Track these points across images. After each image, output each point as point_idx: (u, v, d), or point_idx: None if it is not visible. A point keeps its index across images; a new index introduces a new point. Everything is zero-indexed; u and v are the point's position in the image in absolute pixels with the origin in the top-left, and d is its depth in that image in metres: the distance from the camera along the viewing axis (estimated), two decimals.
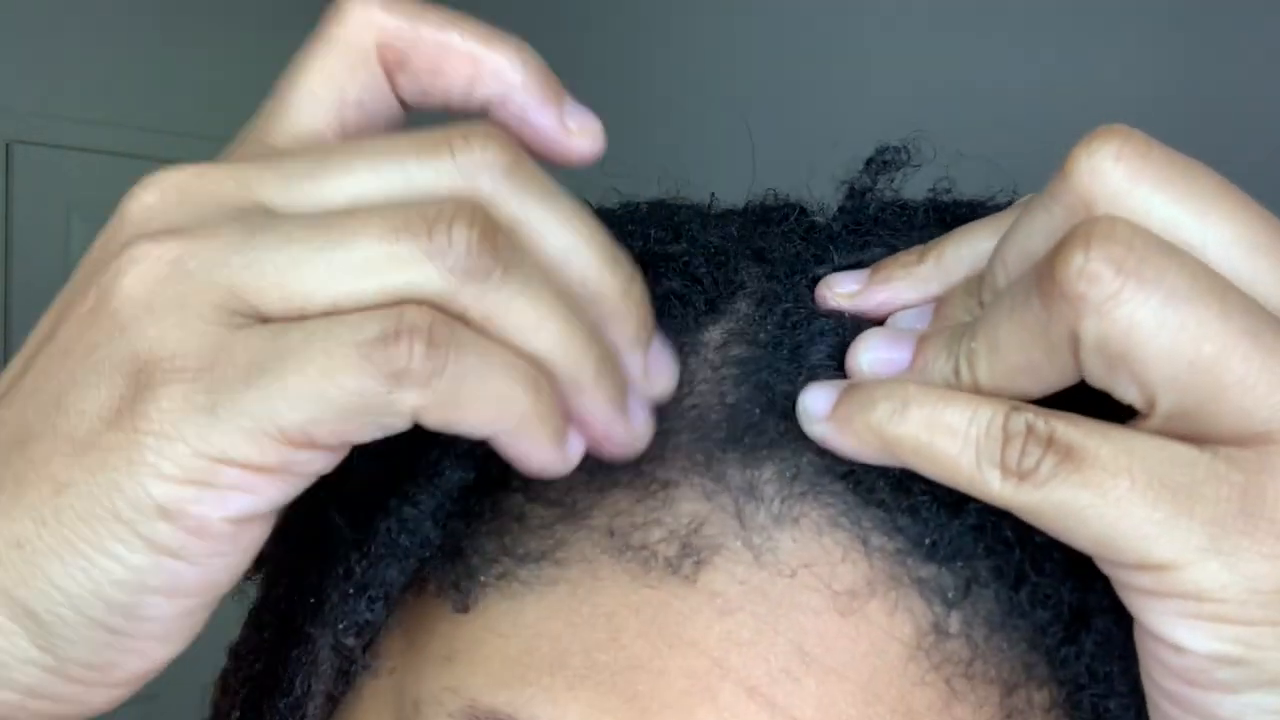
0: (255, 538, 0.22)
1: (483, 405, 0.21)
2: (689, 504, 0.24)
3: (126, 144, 2.68)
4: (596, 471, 0.24)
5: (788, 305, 0.26)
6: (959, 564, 0.23)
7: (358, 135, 0.25)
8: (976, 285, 0.24)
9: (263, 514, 0.22)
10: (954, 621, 0.23)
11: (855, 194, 0.30)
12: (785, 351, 0.25)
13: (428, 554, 0.24)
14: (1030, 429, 0.21)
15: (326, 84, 0.25)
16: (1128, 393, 0.21)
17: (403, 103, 0.26)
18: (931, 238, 0.27)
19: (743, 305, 0.27)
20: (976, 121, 1.79)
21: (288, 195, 0.23)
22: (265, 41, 2.92)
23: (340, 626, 0.24)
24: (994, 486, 0.21)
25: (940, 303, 0.25)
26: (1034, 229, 0.23)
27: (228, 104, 3.19)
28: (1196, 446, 0.21)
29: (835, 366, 0.25)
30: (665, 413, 0.25)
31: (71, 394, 0.22)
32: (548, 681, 0.23)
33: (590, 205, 0.26)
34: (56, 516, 0.21)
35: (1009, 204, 0.29)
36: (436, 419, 0.21)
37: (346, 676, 0.27)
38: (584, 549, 0.24)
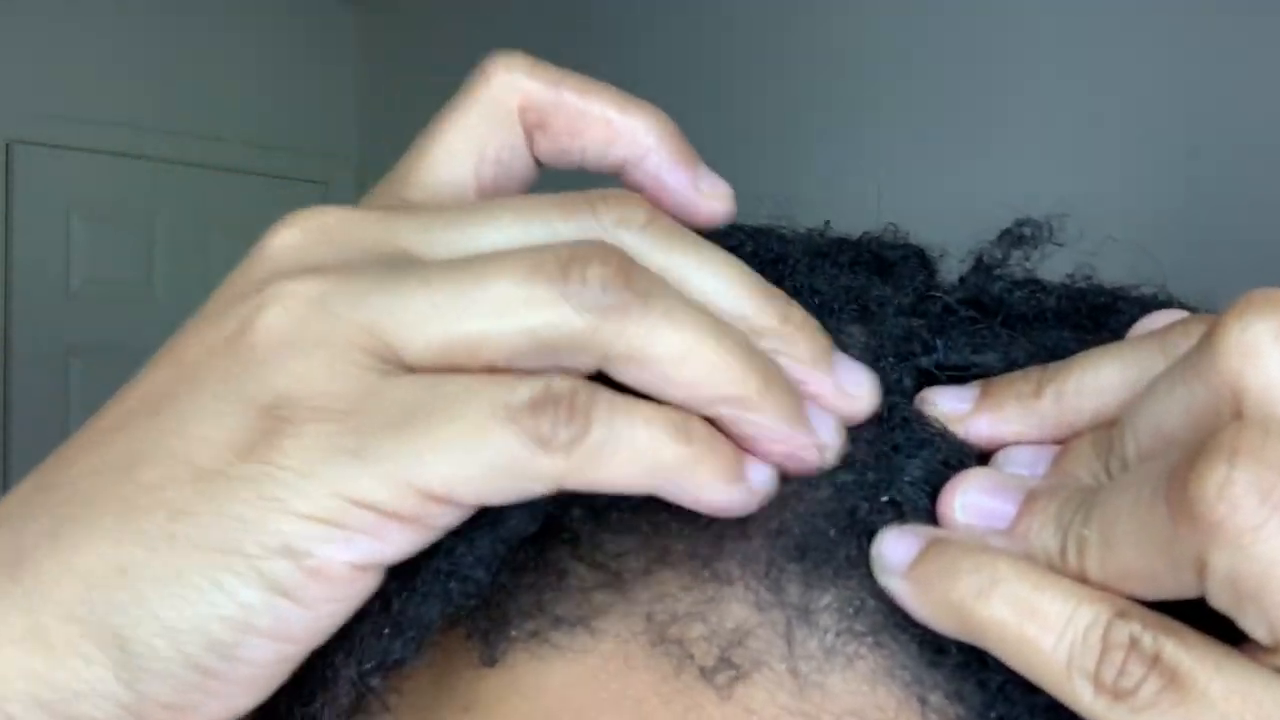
0: (368, 587, 0.21)
1: (625, 464, 0.21)
2: (738, 608, 0.22)
3: (126, 144, 2.69)
4: (652, 542, 0.23)
5: (888, 402, 0.24)
6: None
7: (495, 191, 0.26)
8: (1104, 444, 0.22)
9: (383, 564, 0.21)
10: None
11: (982, 268, 0.28)
12: (874, 460, 0.23)
13: (473, 601, 0.23)
14: (1134, 643, 0.19)
15: (468, 140, 0.26)
16: (1255, 629, 0.18)
17: (538, 161, 0.27)
18: (1061, 338, 0.25)
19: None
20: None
21: (430, 243, 0.23)
22: (265, 42, 2.93)
23: (367, 665, 0.23)
24: (1084, 699, 0.19)
25: (1062, 453, 0.23)
26: (1172, 404, 0.20)
27: (228, 104, 3.19)
28: None
29: (929, 493, 0.23)
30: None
31: (197, 422, 0.21)
32: None
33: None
34: (169, 544, 0.20)
35: (1153, 297, 0.27)
36: (579, 483, 0.21)
37: (363, 709, 0.26)
38: (620, 626, 0.22)
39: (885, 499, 0.23)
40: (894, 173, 1.79)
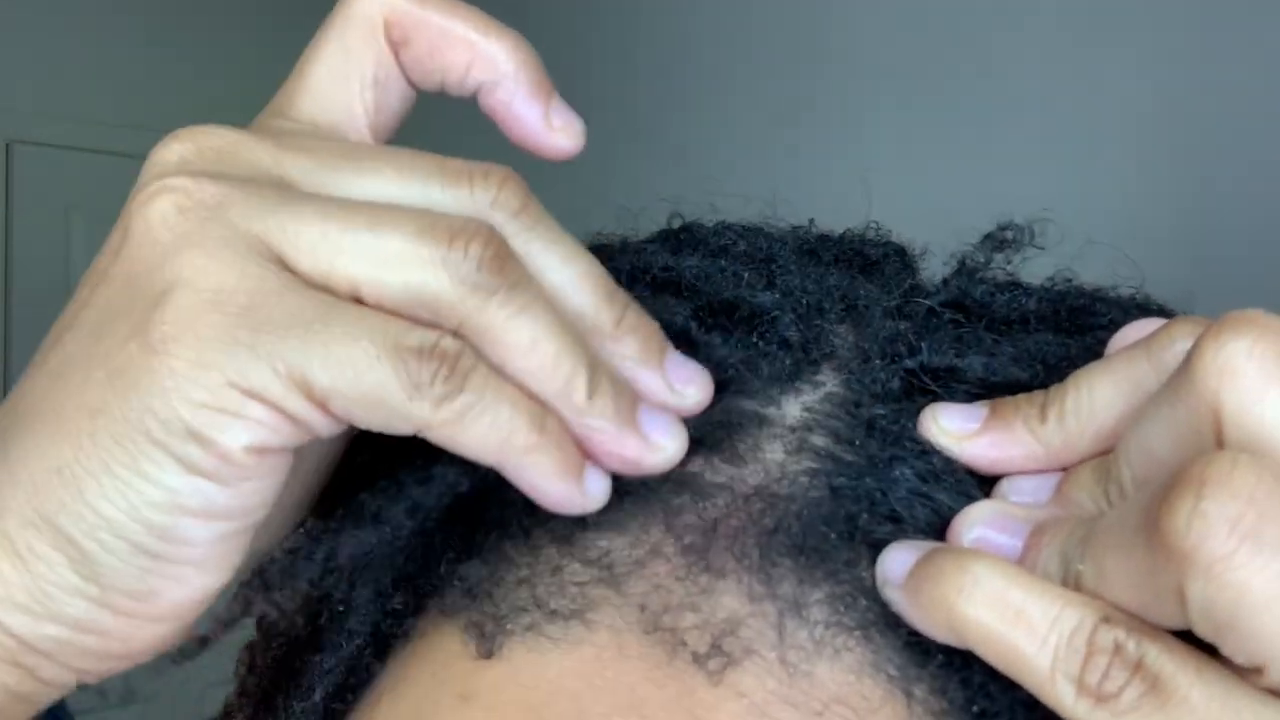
0: (278, 467, 0.23)
1: (482, 433, 0.22)
2: (730, 600, 0.23)
3: (126, 144, 2.68)
4: (644, 539, 0.24)
5: (879, 412, 0.24)
6: None
7: (376, 113, 0.27)
8: (1103, 470, 0.23)
9: (280, 449, 0.22)
10: None
11: (965, 271, 0.28)
12: (868, 466, 0.24)
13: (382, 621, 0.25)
14: (1119, 648, 0.19)
15: (345, 60, 0.27)
16: (1235, 656, 0.19)
17: (411, 84, 0.28)
18: (1043, 341, 0.26)
19: (829, 381, 0.26)
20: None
21: (313, 182, 0.24)
22: (265, 42, 2.92)
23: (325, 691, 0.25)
24: (1067, 701, 0.19)
25: (1064, 480, 0.24)
26: (1159, 428, 0.21)
27: (228, 104, 3.19)
28: None
29: (926, 503, 0.23)
30: (731, 490, 0.24)
31: (108, 322, 0.22)
32: None
33: (588, 248, 0.26)
34: (92, 440, 0.22)
35: (1130, 299, 0.27)
36: (437, 437, 0.22)
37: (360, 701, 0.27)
38: (614, 617, 0.23)
39: (885, 511, 0.23)
40: (885, 172, 1.79)
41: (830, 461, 0.24)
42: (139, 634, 0.23)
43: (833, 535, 0.23)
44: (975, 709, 0.22)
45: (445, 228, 0.22)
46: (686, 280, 0.27)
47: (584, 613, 0.23)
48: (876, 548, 0.23)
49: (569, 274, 0.24)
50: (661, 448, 0.24)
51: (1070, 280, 0.28)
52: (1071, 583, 0.21)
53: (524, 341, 0.22)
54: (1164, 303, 0.28)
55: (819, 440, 0.25)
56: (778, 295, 0.26)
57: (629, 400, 0.24)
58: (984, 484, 0.24)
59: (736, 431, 0.24)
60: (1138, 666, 0.19)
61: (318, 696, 0.27)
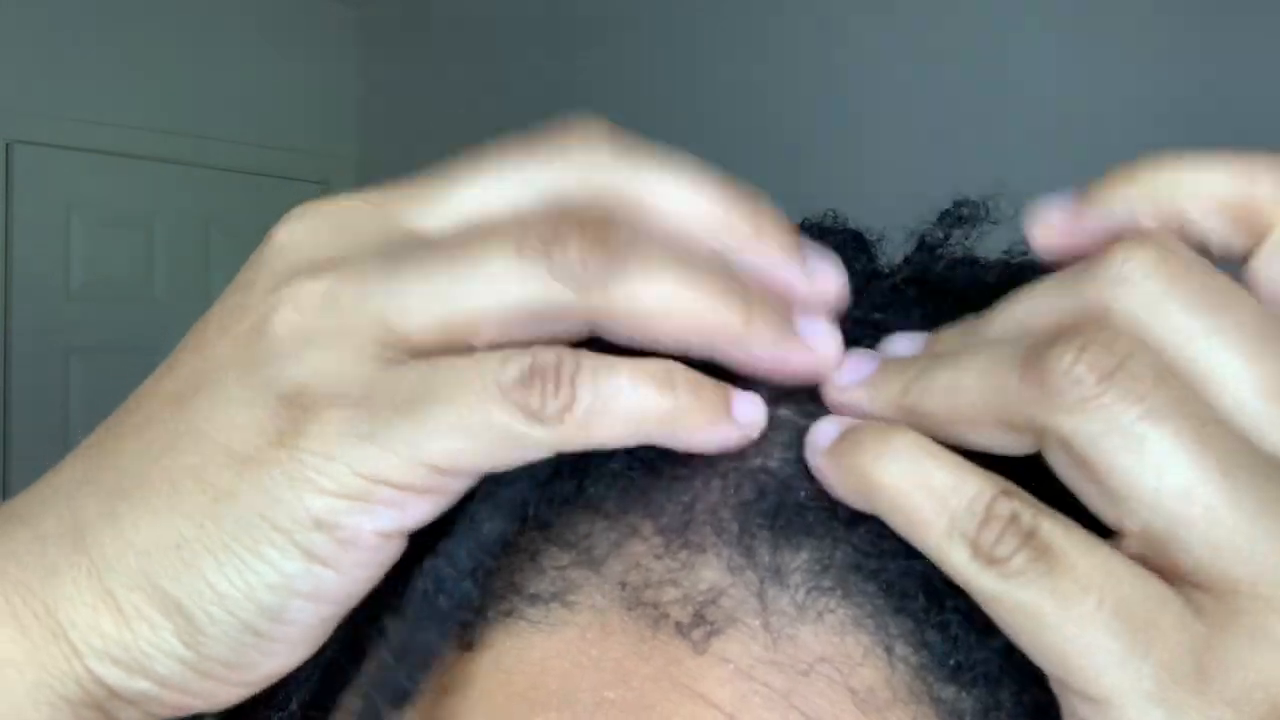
0: (394, 552, 0.23)
1: (614, 424, 0.22)
2: (710, 572, 0.23)
3: (126, 144, 2.69)
4: (619, 521, 0.24)
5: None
6: (981, 689, 0.22)
7: None
8: (971, 332, 0.24)
9: (407, 530, 0.23)
10: None
11: (925, 248, 0.29)
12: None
13: (469, 616, 0.24)
14: (1015, 517, 0.20)
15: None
16: (1094, 502, 0.21)
17: None
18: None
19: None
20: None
21: (423, 215, 0.25)
22: (265, 42, 2.93)
23: (378, 696, 0.24)
24: (959, 560, 0.20)
25: (931, 338, 0.25)
26: (1045, 303, 0.22)
27: (228, 104, 3.17)
28: (1171, 586, 0.20)
29: None
30: (702, 469, 0.24)
31: (225, 409, 0.23)
32: (554, 716, 0.22)
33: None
34: (216, 522, 0.23)
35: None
36: (574, 445, 0.22)
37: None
38: (595, 597, 0.23)
39: None
40: (884, 178, 1.79)
41: (799, 432, 0.24)
42: (221, 695, 0.24)
43: (808, 503, 0.23)
44: (952, 662, 0.22)
45: (537, 235, 0.23)
46: None
47: (564, 595, 0.24)
48: (851, 514, 0.23)
49: (683, 186, 0.24)
50: (824, 354, 0.24)
51: (1025, 253, 0.28)
52: (916, 392, 0.22)
53: (656, 305, 0.23)
54: None
55: (790, 414, 0.25)
56: None
57: (783, 314, 0.24)
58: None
59: None
60: (1030, 535, 0.20)
61: (294, 705, 0.27)
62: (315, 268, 0.24)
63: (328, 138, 3.01)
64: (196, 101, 2.79)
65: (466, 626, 0.24)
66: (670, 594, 0.23)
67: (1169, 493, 0.20)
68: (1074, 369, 0.20)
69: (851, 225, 0.31)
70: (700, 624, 0.22)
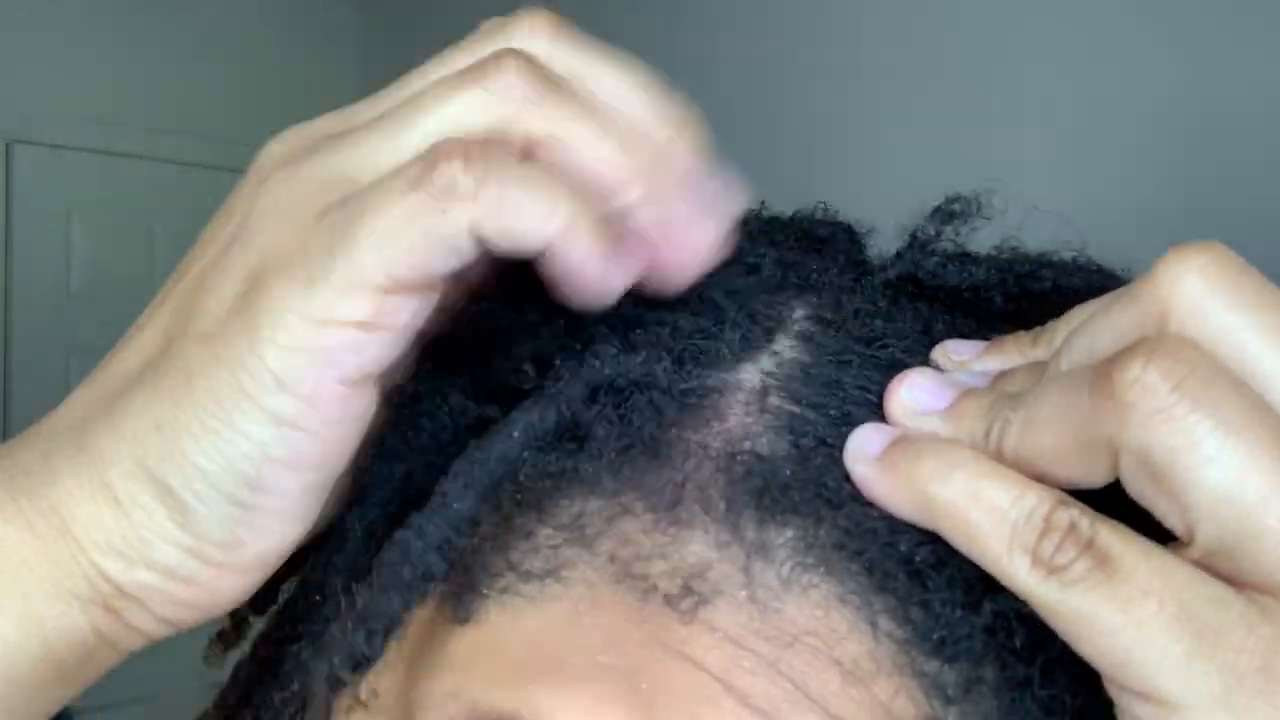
0: (363, 407, 0.25)
1: (532, 208, 0.23)
2: (698, 547, 0.24)
3: (126, 144, 2.69)
4: (612, 500, 0.25)
5: (832, 374, 0.26)
6: (964, 663, 0.23)
7: None
8: (1041, 367, 0.24)
9: (369, 374, 0.24)
10: (951, 716, 0.23)
11: (917, 244, 0.29)
12: (827, 422, 0.25)
13: (430, 587, 0.25)
14: (1073, 526, 0.21)
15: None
16: (1168, 516, 0.21)
17: None
18: (992, 300, 0.27)
19: (785, 348, 0.27)
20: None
21: (375, 111, 0.27)
22: (265, 42, 2.93)
23: (336, 659, 0.25)
24: (1019, 572, 0.21)
25: (1001, 373, 0.25)
26: (1105, 326, 0.23)
27: (228, 104, 3.16)
28: (1234, 589, 0.20)
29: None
30: (695, 451, 0.25)
31: (204, 299, 0.25)
32: (550, 680, 0.23)
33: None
34: (190, 398, 0.24)
35: (1073, 261, 0.29)
36: (493, 228, 0.23)
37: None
38: (586, 572, 0.24)
39: (839, 451, 0.25)
40: (882, 179, 1.79)
41: (790, 419, 0.25)
42: (223, 584, 0.25)
43: (794, 483, 0.24)
44: (935, 637, 0.23)
45: (477, 65, 0.25)
46: None
47: (557, 571, 0.24)
48: (837, 494, 0.24)
49: (623, 79, 0.26)
50: (704, 247, 0.26)
51: (1016, 248, 0.29)
52: (996, 432, 0.23)
53: (585, 134, 0.24)
54: (1104, 263, 0.29)
55: (779, 401, 0.25)
56: (734, 266, 0.28)
57: (685, 194, 0.25)
58: None
59: (702, 398, 0.26)
60: (1089, 544, 0.20)
61: (296, 685, 0.27)
62: (284, 162, 0.26)
63: None
64: (196, 101, 2.79)
65: (462, 600, 0.25)
66: (659, 567, 0.23)
67: (1246, 505, 0.20)
68: (1144, 377, 0.20)
69: (843, 219, 0.31)
70: (688, 595, 0.23)
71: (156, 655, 0.32)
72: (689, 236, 0.25)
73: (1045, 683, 0.23)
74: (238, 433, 0.24)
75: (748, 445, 0.25)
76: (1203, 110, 1.51)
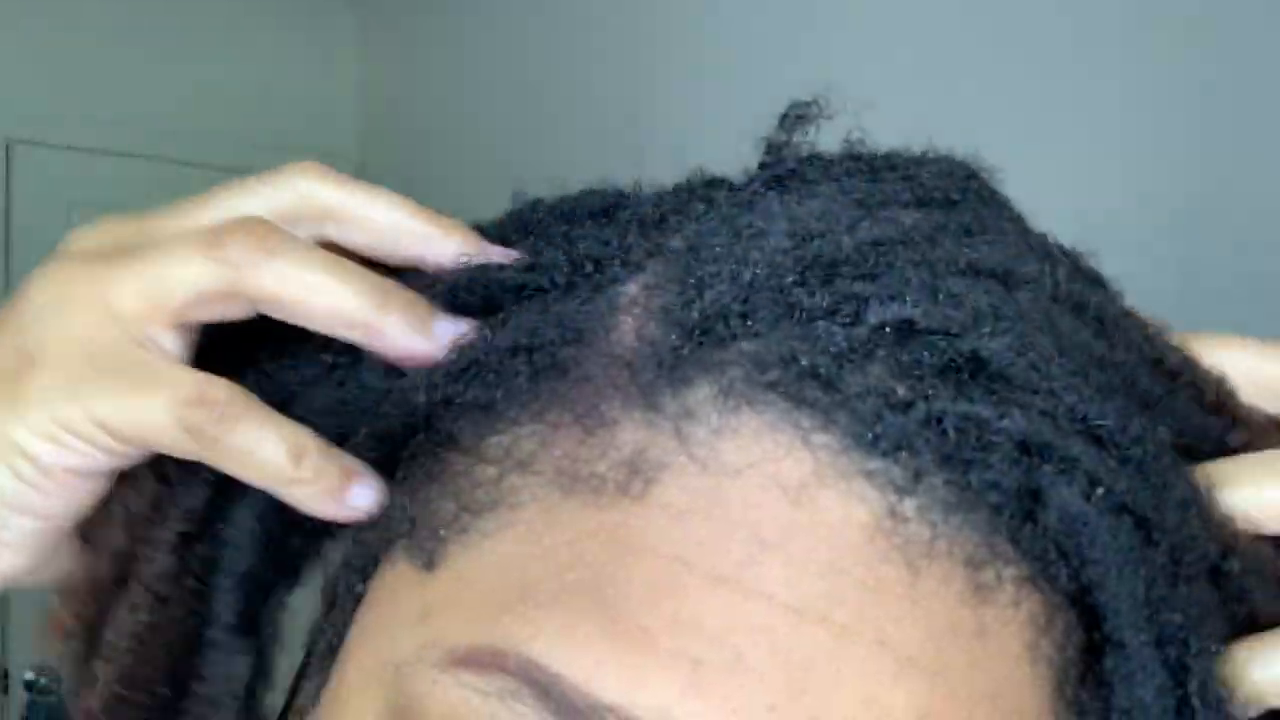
0: (94, 488, 0.30)
1: (250, 470, 0.29)
2: (630, 434, 0.25)
3: (126, 144, 2.69)
4: (538, 423, 0.26)
5: (702, 272, 0.27)
6: (904, 455, 0.24)
7: None
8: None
9: (97, 473, 0.30)
10: (908, 507, 0.24)
11: (772, 149, 0.31)
12: (692, 293, 0.26)
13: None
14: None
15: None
16: None
17: None
18: (856, 189, 0.28)
19: (659, 266, 0.28)
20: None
21: (164, 224, 0.32)
22: (265, 42, 2.93)
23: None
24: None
25: None
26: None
27: (228, 104, 3.16)
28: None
29: (741, 311, 0.26)
30: (598, 359, 0.26)
31: None
32: (520, 609, 0.23)
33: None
34: None
35: (924, 154, 0.30)
36: (221, 462, 0.29)
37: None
38: (536, 493, 0.25)
39: (705, 307, 0.26)
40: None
41: (670, 308, 0.26)
42: None
43: (688, 354, 0.25)
44: (869, 436, 0.24)
45: (210, 232, 0.30)
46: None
47: (505, 499, 0.25)
48: (730, 344, 0.25)
49: (374, 210, 0.31)
50: (444, 348, 0.29)
51: (863, 140, 0.30)
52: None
53: (303, 289, 0.29)
54: (954, 149, 0.31)
55: (661, 300, 0.26)
56: (624, 212, 0.30)
57: (420, 313, 0.29)
58: None
59: (597, 312, 0.27)
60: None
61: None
62: (77, 256, 0.32)
63: (328, 138, 3.01)
64: (196, 101, 2.79)
65: (425, 549, 0.26)
66: (602, 465, 0.25)
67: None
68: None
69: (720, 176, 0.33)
70: (635, 475, 0.24)
71: None
72: (427, 349, 0.29)
73: (983, 457, 0.24)
74: None
75: (643, 339, 0.26)
76: (1196, 114, 1.51)
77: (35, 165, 2.58)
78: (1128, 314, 0.29)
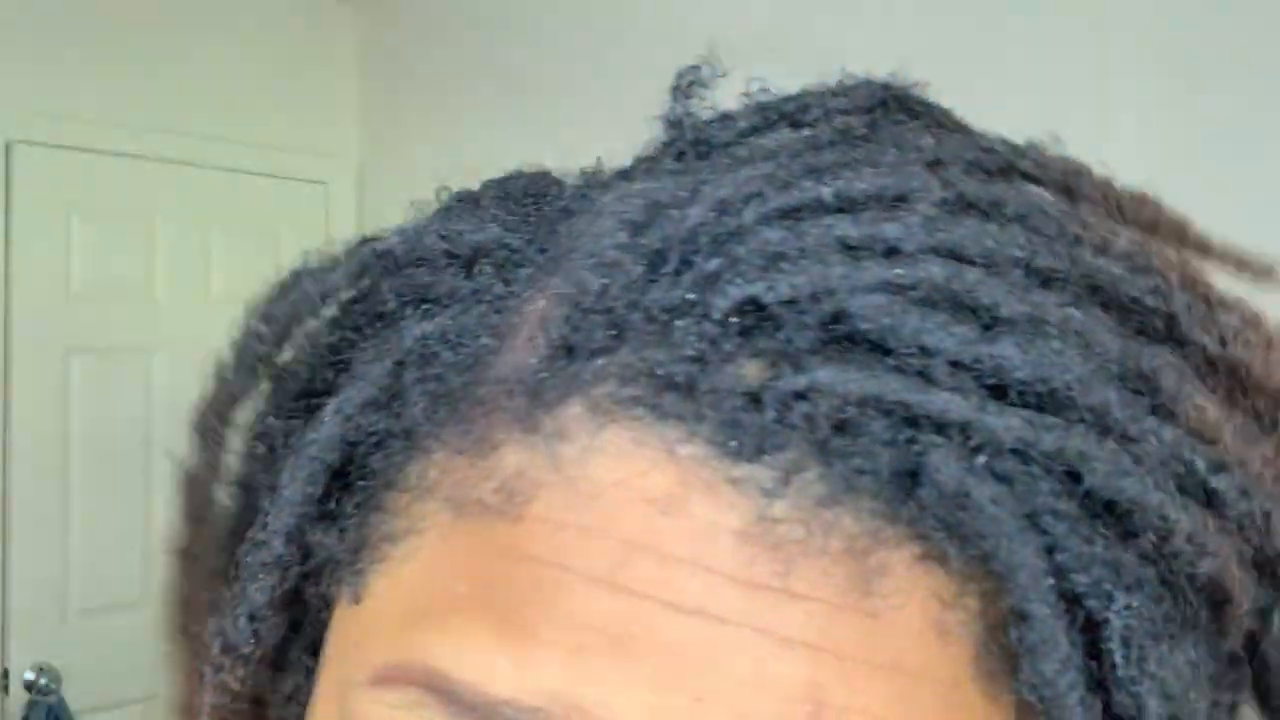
0: None
1: None
2: (512, 456, 0.25)
3: (126, 144, 2.68)
4: (442, 449, 0.27)
5: (570, 281, 0.26)
6: (768, 456, 0.23)
7: None
8: None
9: None
10: (779, 509, 0.23)
11: (673, 124, 0.30)
12: (565, 307, 0.26)
13: (287, 575, 0.29)
14: None
15: None
16: None
17: None
18: (770, 138, 0.28)
19: (541, 279, 0.28)
20: None
21: None
22: (265, 42, 2.92)
23: (215, 647, 0.29)
24: None
25: None
26: None
27: (228, 104, 3.15)
28: None
29: (604, 321, 0.25)
30: (488, 384, 0.27)
31: None
32: (422, 624, 0.25)
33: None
34: None
35: (825, 87, 0.30)
36: None
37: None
38: (436, 519, 0.26)
39: (592, 327, 0.26)
40: None
41: (549, 325, 0.26)
42: None
43: (557, 362, 0.25)
44: (732, 444, 0.23)
45: None
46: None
47: (415, 526, 0.27)
48: (596, 366, 0.25)
49: None
50: None
51: (765, 90, 0.30)
52: None
53: None
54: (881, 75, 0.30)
55: (549, 311, 0.26)
56: (520, 235, 0.30)
57: None
58: None
59: (483, 347, 0.27)
60: None
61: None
62: None
63: (328, 138, 3.01)
64: (196, 101, 2.79)
65: (350, 583, 0.28)
66: (486, 488, 0.25)
67: None
68: None
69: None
70: (511, 498, 0.25)
71: (156, 655, 0.32)
72: None
73: (851, 444, 0.23)
74: None
75: (524, 362, 0.26)
76: (1201, 117, 1.50)
77: (35, 165, 2.57)
78: (1082, 195, 0.28)
